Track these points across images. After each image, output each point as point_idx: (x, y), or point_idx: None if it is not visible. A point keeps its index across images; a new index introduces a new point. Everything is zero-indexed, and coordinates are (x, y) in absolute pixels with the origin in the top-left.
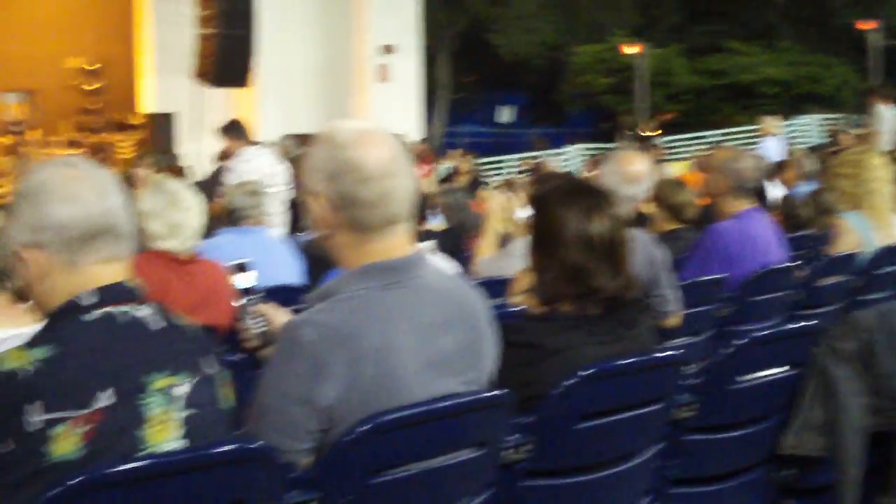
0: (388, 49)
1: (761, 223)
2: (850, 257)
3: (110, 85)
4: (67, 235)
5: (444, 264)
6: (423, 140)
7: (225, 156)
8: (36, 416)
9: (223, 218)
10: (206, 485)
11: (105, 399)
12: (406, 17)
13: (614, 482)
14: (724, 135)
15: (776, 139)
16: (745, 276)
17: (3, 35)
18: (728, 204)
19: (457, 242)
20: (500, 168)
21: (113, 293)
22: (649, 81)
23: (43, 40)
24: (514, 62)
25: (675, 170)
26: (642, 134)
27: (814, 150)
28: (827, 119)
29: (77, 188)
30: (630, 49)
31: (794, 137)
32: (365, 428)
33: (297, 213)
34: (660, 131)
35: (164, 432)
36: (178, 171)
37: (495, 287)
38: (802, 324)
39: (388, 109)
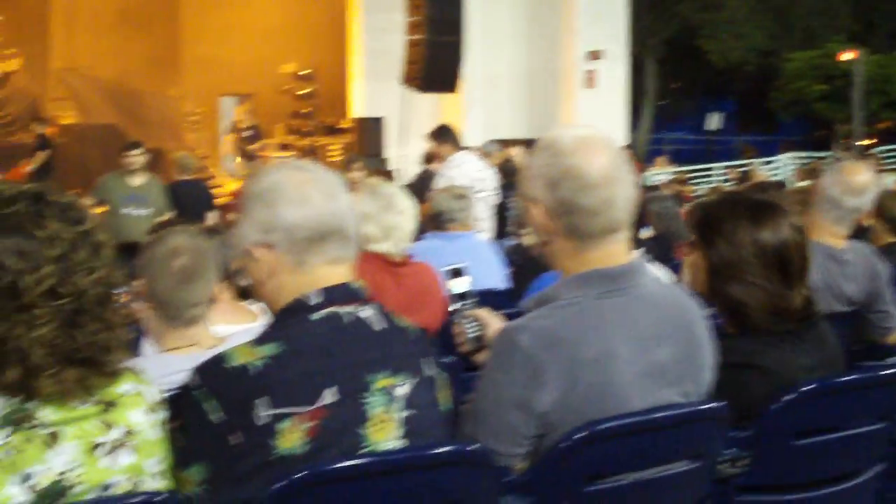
0: (595, 55)
1: None
2: None
3: (321, 90)
4: (297, 236)
5: (660, 273)
6: (628, 146)
7: (430, 159)
8: (264, 411)
9: (430, 222)
10: (424, 485)
11: (330, 396)
12: (614, 23)
13: (833, 502)
14: None
15: None
16: None
17: (222, 41)
18: None
19: (665, 251)
20: (709, 176)
21: (339, 293)
22: (865, 88)
23: (260, 46)
24: (724, 68)
25: (893, 180)
26: (859, 143)
27: None
28: None
29: (307, 191)
30: (846, 55)
31: None
32: (581, 435)
33: (503, 219)
34: (875, 140)
35: (384, 431)
36: (387, 175)
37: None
38: None
39: (594, 116)
